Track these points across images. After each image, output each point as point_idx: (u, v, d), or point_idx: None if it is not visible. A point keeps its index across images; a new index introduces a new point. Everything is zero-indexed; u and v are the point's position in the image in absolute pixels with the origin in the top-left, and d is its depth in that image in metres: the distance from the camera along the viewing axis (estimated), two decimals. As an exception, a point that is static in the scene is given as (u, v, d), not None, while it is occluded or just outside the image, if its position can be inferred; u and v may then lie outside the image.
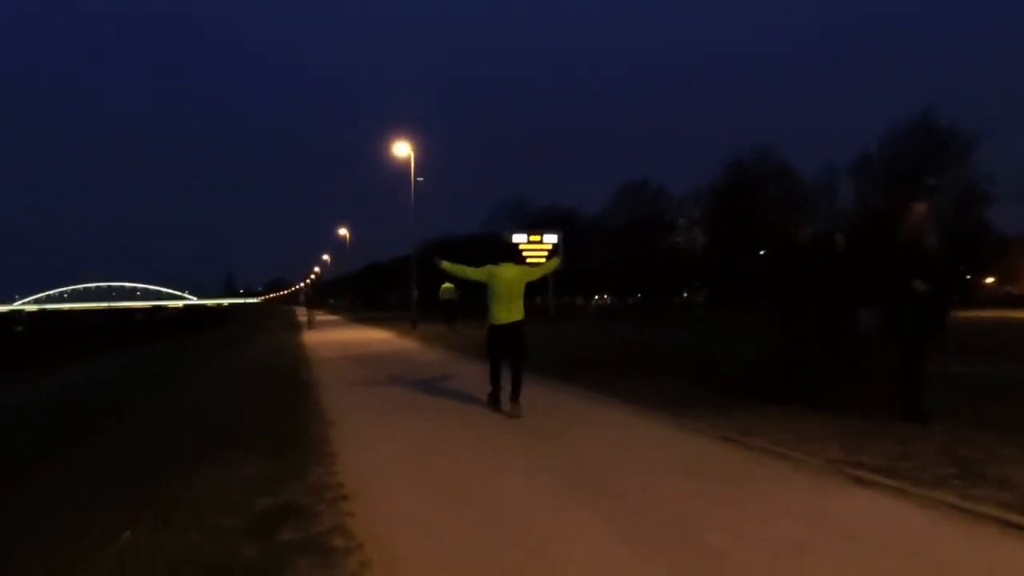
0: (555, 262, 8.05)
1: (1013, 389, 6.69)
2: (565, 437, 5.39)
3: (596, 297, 65.81)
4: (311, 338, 20.39)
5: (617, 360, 10.89)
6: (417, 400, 7.62)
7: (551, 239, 26.80)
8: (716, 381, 7.99)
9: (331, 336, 21.34)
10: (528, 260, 26.15)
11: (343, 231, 60.21)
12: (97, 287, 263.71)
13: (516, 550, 3.08)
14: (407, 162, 26.52)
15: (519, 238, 26.36)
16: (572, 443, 5.18)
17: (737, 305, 36.63)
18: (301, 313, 39.20)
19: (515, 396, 6.38)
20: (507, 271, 6.47)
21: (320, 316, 41.55)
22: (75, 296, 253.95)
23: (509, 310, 6.40)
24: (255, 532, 3.42)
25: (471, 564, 2.95)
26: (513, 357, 6.46)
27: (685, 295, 64.20)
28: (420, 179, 26.54)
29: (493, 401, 6.64)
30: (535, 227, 32.24)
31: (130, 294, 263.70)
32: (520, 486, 4.07)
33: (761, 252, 46.75)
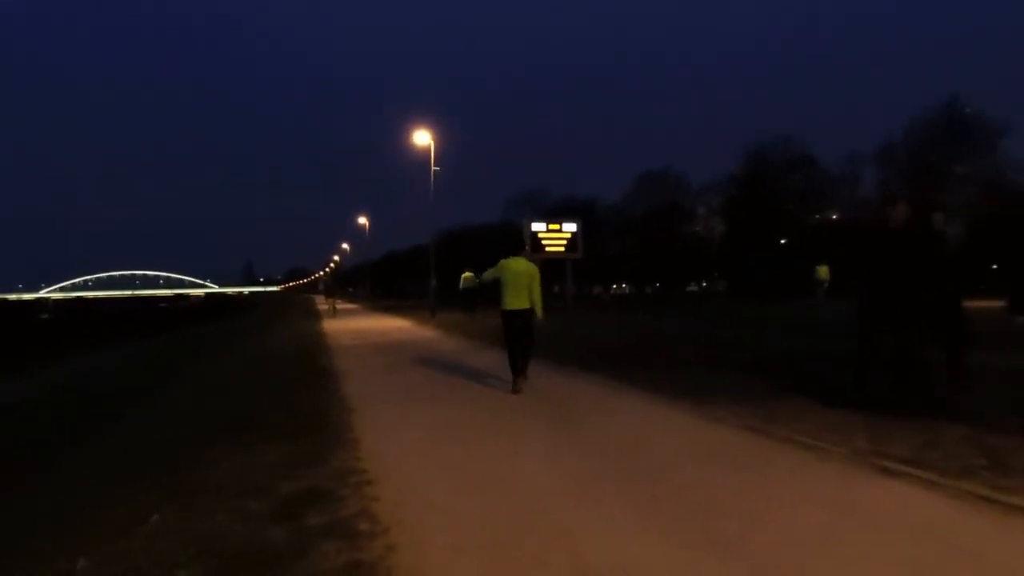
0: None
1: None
2: (586, 425, 5.39)
3: (615, 286, 65.50)
4: (331, 326, 20.58)
5: (636, 350, 10.84)
6: (437, 387, 7.66)
7: (571, 228, 26.65)
8: (739, 371, 7.93)
9: (351, 324, 21.53)
10: (547, 248, 26.08)
11: (362, 220, 60.39)
12: (121, 275, 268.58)
13: (539, 535, 3.09)
14: (426, 152, 26.51)
15: (538, 227, 26.24)
16: (593, 431, 5.18)
17: (756, 295, 36.25)
18: (320, 302, 39.62)
19: (523, 372, 7.27)
20: (516, 264, 7.35)
21: (339, 304, 41.97)
22: (99, 284, 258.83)
23: (518, 298, 7.25)
24: (281, 516, 3.47)
25: (495, 548, 2.96)
26: (523, 339, 7.29)
27: (704, 284, 63.71)
28: (437, 168, 26.50)
29: (511, 379, 7.28)
30: (554, 216, 32.06)
31: (153, 282, 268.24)
32: (542, 473, 4.08)
33: (782, 241, 46.20)
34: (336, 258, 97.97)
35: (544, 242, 25.99)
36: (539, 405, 6.35)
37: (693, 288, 62.11)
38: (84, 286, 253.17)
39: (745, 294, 40.66)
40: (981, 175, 38.58)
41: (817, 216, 48.40)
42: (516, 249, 7.68)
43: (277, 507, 3.59)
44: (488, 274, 7.54)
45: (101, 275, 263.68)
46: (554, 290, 28.47)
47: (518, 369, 7.20)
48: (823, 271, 26.34)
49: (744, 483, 3.74)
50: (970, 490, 3.48)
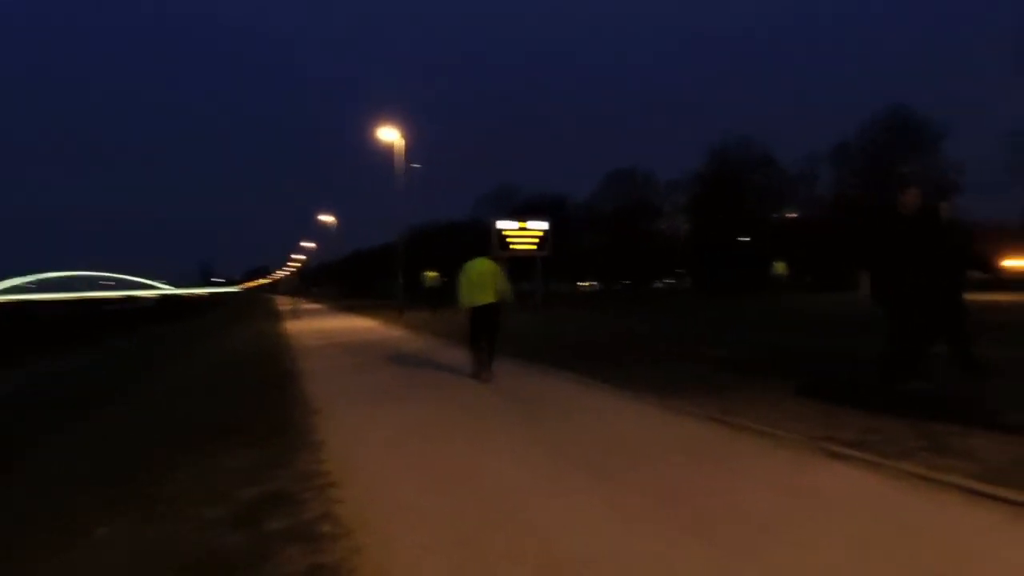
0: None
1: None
2: (555, 421, 5.39)
3: (584, 284, 65.93)
4: (295, 327, 20.23)
5: (605, 347, 10.92)
6: (404, 387, 7.57)
7: (541, 226, 26.74)
8: (706, 366, 8.04)
9: (316, 325, 21.18)
10: (515, 247, 26.12)
11: (328, 218, 59.30)
12: (68, 276, 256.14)
13: (508, 531, 3.07)
14: (396, 148, 26.25)
15: (505, 226, 26.28)
16: (562, 427, 5.18)
17: (720, 292, 36.90)
18: (284, 302, 38.85)
19: (489, 364, 7.77)
20: (480, 264, 7.90)
21: (304, 305, 41.27)
22: (45, 286, 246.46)
23: (483, 294, 7.78)
24: (241, 521, 3.37)
25: (464, 546, 2.92)
26: (488, 333, 7.84)
27: (671, 281, 64.59)
28: (416, 165, 26.37)
29: (475, 370, 7.86)
30: (524, 213, 32.15)
31: (101, 284, 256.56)
32: (512, 469, 4.07)
33: (744, 238, 47.14)
34: (302, 257, 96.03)
35: (511, 241, 26.02)
36: (508, 402, 6.33)
37: (660, 285, 62.91)
38: (26, 288, 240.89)
39: (709, 291, 41.39)
40: (926, 174, 40.06)
41: (775, 215, 49.61)
42: (479, 251, 8.32)
43: (236, 513, 3.49)
44: (460, 285, 7.94)
45: (46, 275, 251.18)
46: (522, 287, 28.52)
47: (483, 361, 7.76)
48: (781, 267, 27.00)
49: (708, 473, 3.81)
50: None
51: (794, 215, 48.83)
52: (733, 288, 37.80)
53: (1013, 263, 28.11)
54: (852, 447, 4.13)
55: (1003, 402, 5.05)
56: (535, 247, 26.45)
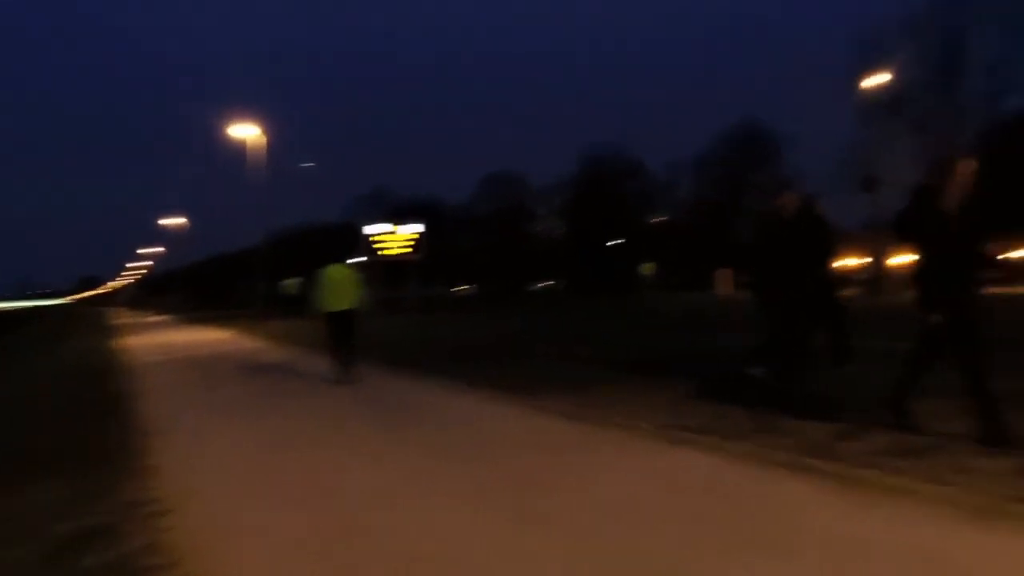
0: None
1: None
2: (419, 426, 5.31)
3: (459, 287, 65.94)
4: (136, 341, 18.48)
5: (474, 350, 10.94)
6: (261, 400, 7.12)
7: (415, 229, 26.44)
8: (575, 364, 8.27)
9: (161, 339, 19.37)
10: (386, 252, 25.67)
11: (177, 221, 54.04)
12: None
13: (366, 538, 2.99)
14: (255, 146, 24.79)
15: (374, 229, 25.77)
16: (426, 431, 5.12)
17: (593, 292, 38.50)
18: (121, 314, 35.24)
19: (351, 366, 7.81)
20: (335, 272, 7.98)
21: (150, 317, 37.91)
22: None
23: (339, 300, 7.85)
24: (52, 560, 2.98)
25: (317, 561, 2.78)
26: (347, 336, 7.90)
27: (550, 283, 66.41)
28: (309, 165, 25.18)
29: (337, 375, 7.81)
30: (399, 216, 31.69)
31: None
32: (372, 476, 3.98)
33: (616, 241, 49.64)
34: (148, 263, 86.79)
35: (381, 245, 25.56)
36: (371, 410, 6.15)
37: (538, 287, 64.48)
38: None
39: (584, 291, 43.05)
40: (773, 182, 44.37)
41: (647, 219, 52.77)
42: (341, 256, 8.68)
43: (48, 551, 3.09)
44: (316, 293, 8.02)
45: None
46: (396, 292, 28.05)
47: (343, 364, 7.80)
48: (648, 268, 28.71)
49: (565, 464, 3.94)
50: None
51: (663, 219, 52.16)
52: (606, 288, 39.59)
53: (855, 262, 31.47)
54: (698, 432, 4.42)
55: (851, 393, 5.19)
56: (410, 250, 26.14)
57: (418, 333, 15.34)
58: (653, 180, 52.95)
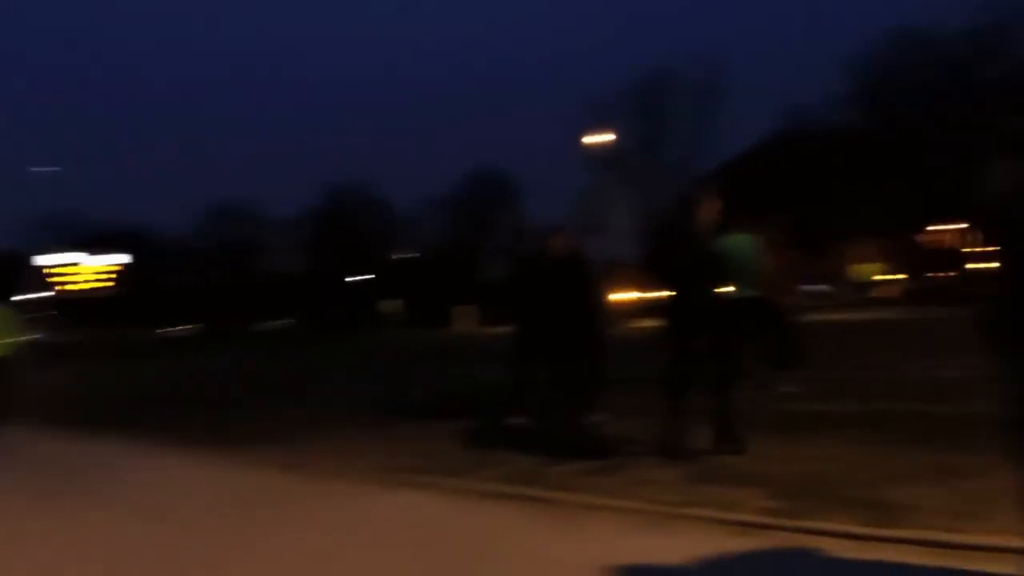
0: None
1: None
2: (87, 497, 4.40)
3: (172, 327, 57.39)
4: None
5: (173, 398, 9.58)
6: None
7: (117, 260, 22.60)
8: (290, 409, 7.60)
9: None
10: (68, 288, 21.56)
11: None
12: None
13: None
14: None
15: (51, 260, 21.48)
16: (104, 499, 4.30)
17: (331, 330, 37.12)
18: None
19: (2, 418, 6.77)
20: None
21: None
22: None
23: None
24: None
25: None
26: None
27: (285, 321, 62.15)
28: (54, 168, 19.53)
29: None
30: (95, 245, 26.90)
31: None
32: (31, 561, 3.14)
33: (360, 277, 48.77)
34: None
35: (58, 279, 21.39)
36: (24, 482, 4.92)
37: (269, 325, 59.89)
38: None
39: (320, 328, 41.19)
40: (511, 223, 48.32)
41: (392, 255, 53.08)
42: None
43: None
44: None
45: None
46: (90, 334, 23.52)
47: None
48: (389, 305, 28.62)
49: (264, 522, 3.53)
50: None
51: (410, 255, 52.84)
52: (343, 325, 38.38)
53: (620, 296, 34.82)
54: (411, 472, 4.20)
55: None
56: (109, 284, 22.26)
57: (113, 380, 12.98)
58: (400, 216, 53.70)
